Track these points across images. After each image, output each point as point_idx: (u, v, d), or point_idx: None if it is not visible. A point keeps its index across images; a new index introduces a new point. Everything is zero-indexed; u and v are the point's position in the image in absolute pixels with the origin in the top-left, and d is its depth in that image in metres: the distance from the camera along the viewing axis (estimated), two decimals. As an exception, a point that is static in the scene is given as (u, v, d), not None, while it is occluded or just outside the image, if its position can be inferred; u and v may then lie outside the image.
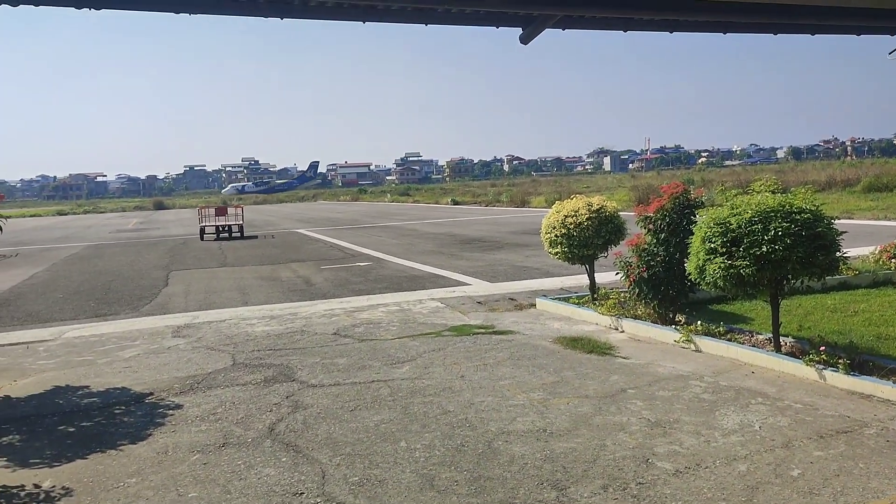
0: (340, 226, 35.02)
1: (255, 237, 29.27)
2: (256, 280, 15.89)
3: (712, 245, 7.14)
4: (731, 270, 6.95)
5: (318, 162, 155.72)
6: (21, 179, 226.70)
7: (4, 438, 6.19)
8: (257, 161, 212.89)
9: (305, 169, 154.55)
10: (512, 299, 11.84)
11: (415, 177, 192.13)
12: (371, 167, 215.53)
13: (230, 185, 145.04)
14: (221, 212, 31.50)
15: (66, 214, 79.54)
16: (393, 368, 7.83)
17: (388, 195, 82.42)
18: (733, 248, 6.99)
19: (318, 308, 11.86)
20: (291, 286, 14.74)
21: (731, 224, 7.05)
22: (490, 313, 10.82)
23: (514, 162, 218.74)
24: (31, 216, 76.15)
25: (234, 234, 29.26)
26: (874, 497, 4.34)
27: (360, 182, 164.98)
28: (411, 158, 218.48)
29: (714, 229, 7.17)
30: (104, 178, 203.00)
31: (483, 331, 9.56)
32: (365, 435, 5.79)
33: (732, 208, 7.25)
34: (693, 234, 7.68)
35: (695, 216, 8.42)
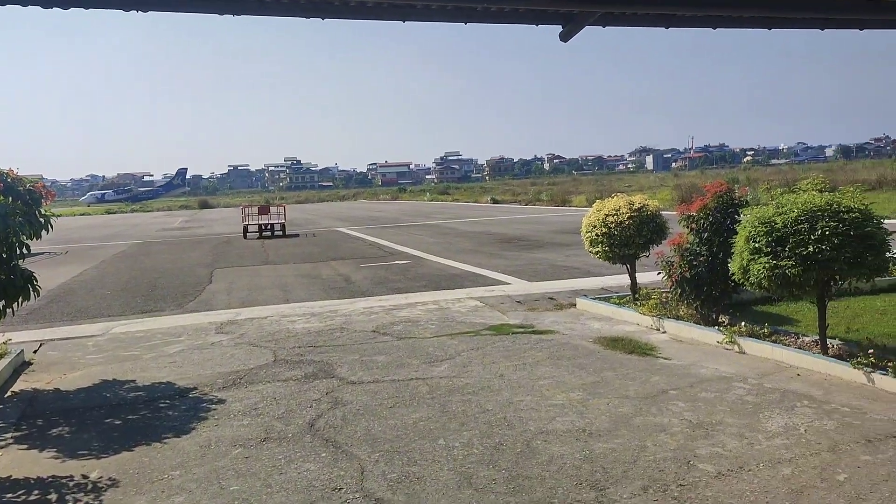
0: (380, 224, 35.22)
1: (297, 235, 29.59)
2: (297, 278, 16.07)
3: (757, 245, 7.01)
4: (777, 271, 6.81)
5: (185, 169, 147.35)
6: (71, 179, 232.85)
7: (54, 430, 6.36)
8: (299, 161, 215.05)
9: (174, 175, 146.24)
10: (552, 299, 11.77)
11: (454, 175, 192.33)
12: (411, 166, 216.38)
13: (88, 194, 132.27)
14: (264, 211, 31.93)
15: (114, 213, 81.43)
16: (431, 367, 7.85)
17: (428, 194, 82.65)
18: (778, 248, 6.85)
19: (357, 306, 11.95)
20: (332, 284, 14.87)
21: (776, 223, 6.91)
22: (529, 312, 10.78)
23: (555, 161, 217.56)
24: (80, 214, 78.14)
25: (276, 233, 29.62)
26: (925, 504, 4.22)
27: (399, 181, 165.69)
28: (451, 157, 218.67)
29: (759, 228, 7.04)
30: (151, 178, 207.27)
31: (522, 330, 9.53)
32: (403, 432, 5.82)
33: (778, 207, 7.10)
34: (737, 233, 7.56)
35: (739, 215, 8.28)
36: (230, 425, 6.20)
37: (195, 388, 7.40)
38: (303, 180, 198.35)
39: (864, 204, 6.90)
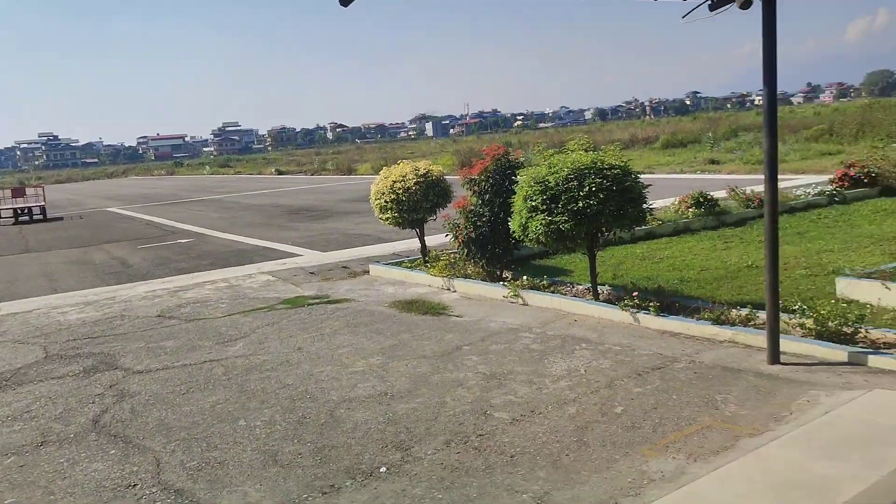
0: (156, 202, 33.07)
1: (61, 219, 26.99)
2: (66, 264, 14.69)
3: (533, 203, 7.47)
4: (552, 226, 7.31)
5: None
6: None
7: None
8: (56, 136, 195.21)
9: None
10: (345, 267, 11.78)
11: (234, 147, 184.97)
12: (186, 138, 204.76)
13: None
14: (19, 193, 28.74)
15: None
16: (225, 347, 7.57)
17: (207, 167, 78.87)
18: (553, 205, 7.35)
19: (137, 290, 11.18)
20: (106, 269, 13.77)
21: (549, 182, 7.40)
22: (324, 283, 10.71)
23: (338, 129, 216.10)
24: None
25: (35, 217, 26.81)
26: (688, 424, 4.80)
27: (174, 155, 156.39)
28: (230, 128, 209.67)
29: (534, 188, 7.49)
30: None
31: (318, 301, 9.46)
32: (200, 418, 5.58)
33: (550, 167, 7.60)
34: (515, 193, 8.00)
35: (516, 176, 8.76)
36: (-2, 433, 5.58)
37: (-50, 398, 6.55)
38: (62, 157, 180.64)
39: (623, 161, 7.58)
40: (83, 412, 5.91)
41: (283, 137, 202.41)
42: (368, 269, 11.25)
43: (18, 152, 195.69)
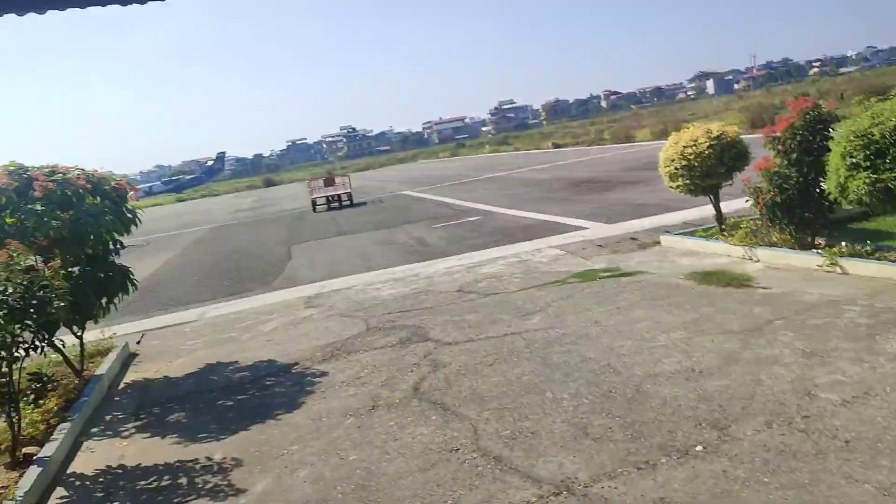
0: (444, 183, 35.15)
1: (365, 204, 29.83)
2: (374, 245, 16.22)
3: (854, 160, 6.67)
4: (879, 184, 6.47)
5: (224, 153, 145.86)
6: (140, 171, 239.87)
7: (171, 417, 6.62)
8: (354, 128, 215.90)
9: (214, 160, 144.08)
10: (634, 239, 11.55)
11: (511, 124, 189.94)
12: (465, 120, 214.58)
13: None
14: (330, 182, 32.25)
15: (184, 201, 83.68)
16: (524, 320, 7.82)
17: (487, 146, 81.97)
18: (878, 161, 6.50)
19: (437, 267, 11.97)
20: (408, 248, 14.95)
21: (873, 135, 6.54)
22: (613, 255, 10.60)
23: (612, 97, 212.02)
24: (153, 206, 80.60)
25: (344, 203, 29.92)
26: None
27: (456, 137, 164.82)
28: (505, 106, 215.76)
29: (855, 143, 6.68)
30: (211, 161, 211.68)
31: (609, 274, 9.38)
32: (508, 388, 5.83)
33: (873, 118, 6.72)
34: (828, 151, 7.20)
35: (829, 132, 7.88)
36: (337, 396, 6.33)
37: (297, 364, 7.57)
38: (360, 147, 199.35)
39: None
40: (404, 380, 6.48)
41: (557, 110, 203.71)
42: (659, 239, 10.90)
43: (324, 145, 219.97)
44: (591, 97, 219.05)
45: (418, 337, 7.84)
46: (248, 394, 6.89)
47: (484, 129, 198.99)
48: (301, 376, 7.11)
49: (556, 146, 55.38)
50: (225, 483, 4.95)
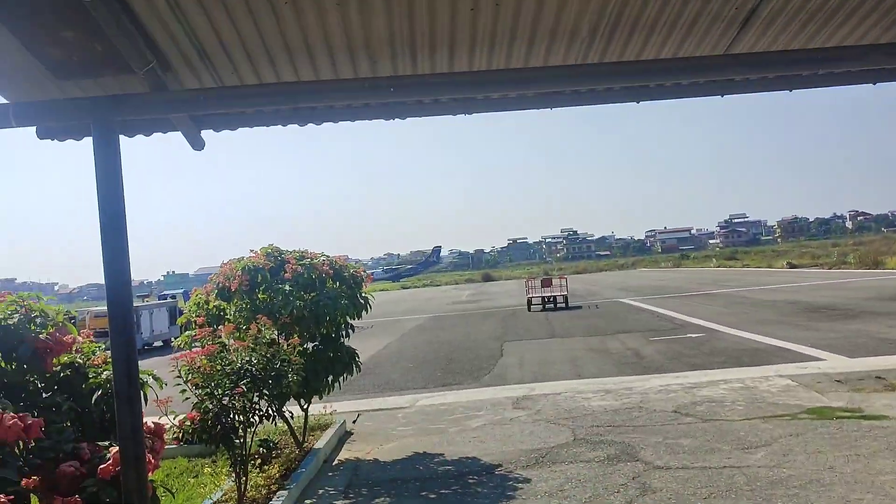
0: (664, 294, 34.00)
1: (580, 307, 29.59)
2: (586, 351, 15.96)
3: None
4: None
5: (440, 247, 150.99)
6: (371, 257, 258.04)
7: (378, 500, 6.84)
8: (575, 231, 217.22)
9: (430, 253, 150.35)
10: (880, 378, 10.32)
11: (741, 239, 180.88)
12: (692, 231, 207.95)
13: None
14: (547, 283, 32.49)
15: (408, 288, 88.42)
16: (746, 454, 7.21)
17: (714, 260, 78.54)
18: None
19: (652, 383, 11.48)
20: (622, 358, 14.52)
21: None
22: (854, 394, 9.53)
23: (859, 217, 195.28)
24: (381, 290, 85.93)
25: (559, 305, 29.92)
26: None
27: (680, 247, 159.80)
28: (736, 220, 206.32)
29: None
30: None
31: (849, 415, 8.43)
32: (724, 528, 5.35)
33: None
34: None
35: None
36: (538, 507, 6.18)
37: (500, 465, 7.53)
38: (579, 250, 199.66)
39: None
40: (609, 500, 6.19)
41: (793, 228, 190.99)
42: (913, 382, 9.65)
43: (544, 245, 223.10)
44: (834, 216, 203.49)
45: (627, 456, 7.50)
46: (450, 489, 6.95)
47: (711, 241, 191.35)
48: (503, 479, 7.05)
49: (792, 266, 51.65)
50: (421, 578, 4.97)
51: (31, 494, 3.80)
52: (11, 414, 3.86)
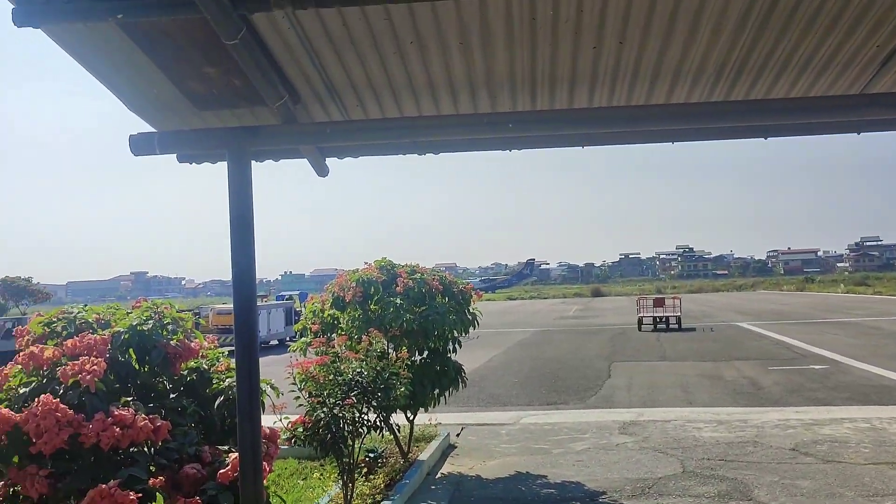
0: (786, 320, 32.35)
1: (693, 329, 28.59)
2: (698, 378, 15.41)
3: None
4: None
5: (533, 259, 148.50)
6: (479, 266, 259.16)
7: (478, 518, 6.86)
8: (691, 248, 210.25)
9: (523, 266, 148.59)
10: None
11: (873, 264, 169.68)
12: (818, 253, 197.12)
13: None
14: (659, 303, 31.59)
15: (514, 300, 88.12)
16: (870, 502, 6.76)
17: (842, 285, 74.04)
18: None
19: (770, 416, 10.95)
20: (737, 388, 13.93)
21: None
22: None
23: None
24: (487, 300, 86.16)
25: (671, 326, 29.02)
26: None
27: (805, 269, 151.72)
28: (868, 242, 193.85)
29: None
30: (547, 266, 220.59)
31: None
32: (844, 583, 5.04)
33: None
34: None
35: None
36: (643, 541, 6.03)
37: (604, 493, 7.39)
38: (695, 268, 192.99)
39: None
40: (718, 540, 5.96)
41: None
42: None
43: (658, 262, 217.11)
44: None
45: (740, 494, 7.19)
46: (552, 514, 6.89)
47: (839, 264, 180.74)
48: (607, 508, 6.92)
49: (930, 295, 47.96)
50: None
51: (157, 493, 4.06)
52: (143, 416, 4.15)
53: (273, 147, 3.53)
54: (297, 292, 49.72)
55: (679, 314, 29.68)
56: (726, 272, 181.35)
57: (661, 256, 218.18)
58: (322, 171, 3.68)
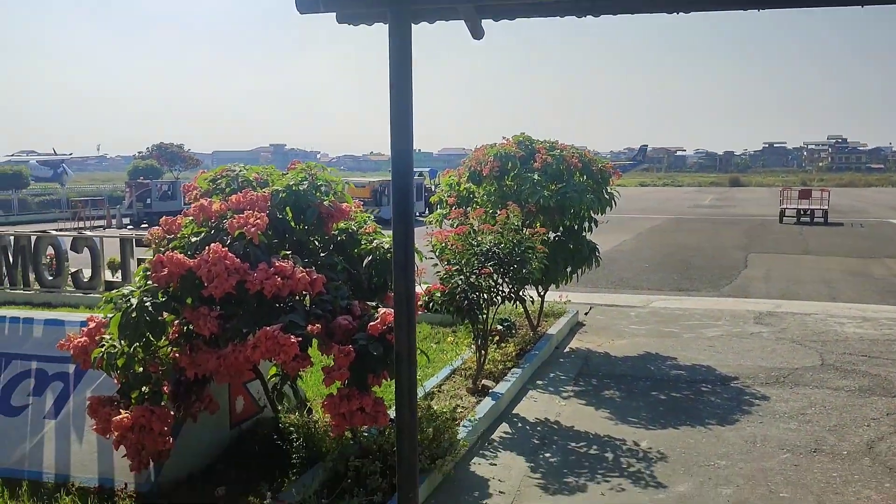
0: (948, 219, 29.82)
1: (840, 224, 26.92)
2: (843, 274, 14.64)
3: None
4: None
5: (646, 146, 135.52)
6: (610, 150, 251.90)
7: (606, 392, 7.00)
8: (845, 139, 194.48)
9: (637, 152, 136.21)
10: None
11: None
12: None
13: None
14: (805, 194, 29.81)
15: (646, 186, 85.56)
16: None
17: None
18: None
19: (922, 316, 10.33)
20: (887, 286, 13.16)
21: None
22: None
23: None
24: (618, 185, 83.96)
25: (816, 220, 27.45)
26: None
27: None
28: None
29: None
30: (683, 153, 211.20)
31: None
32: None
33: None
34: None
35: None
36: (776, 426, 5.98)
37: (736, 378, 7.33)
38: (847, 161, 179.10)
39: None
40: (857, 432, 5.83)
41: None
42: None
43: (805, 153, 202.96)
44: None
45: (882, 390, 6.93)
46: (681, 393, 6.92)
47: None
48: (739, 393, 6.87)
49: None
50: (647, 472, 5.10)
51: (313, 339, 4.39)
52: (301, 268, 4.43)
53: (433, 5, 3.49)
54: (428, 168, 50.44)
55: (826, 207, 27.95)
56: (882, 166, 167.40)
57: (810, 147, 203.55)
58: (478, 32, 3.61)
